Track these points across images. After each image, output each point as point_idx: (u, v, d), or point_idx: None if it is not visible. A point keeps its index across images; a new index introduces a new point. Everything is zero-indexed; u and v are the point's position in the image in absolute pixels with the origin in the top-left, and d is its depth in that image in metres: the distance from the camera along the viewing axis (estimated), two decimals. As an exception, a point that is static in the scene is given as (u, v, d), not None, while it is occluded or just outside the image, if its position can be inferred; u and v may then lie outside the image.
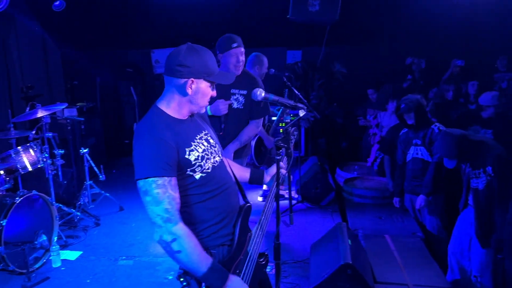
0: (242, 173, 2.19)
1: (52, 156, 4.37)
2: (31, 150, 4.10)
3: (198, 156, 1.78)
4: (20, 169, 3.99)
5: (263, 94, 2.12)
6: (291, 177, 5.43)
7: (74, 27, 6.59)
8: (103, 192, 5.10)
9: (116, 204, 5.15)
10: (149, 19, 6.66)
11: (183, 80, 1.74)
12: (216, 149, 1.91)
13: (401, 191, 4.06)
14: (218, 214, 1.84)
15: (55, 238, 3.94)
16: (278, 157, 1.96)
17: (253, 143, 4.48)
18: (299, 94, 3.79)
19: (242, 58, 3.01)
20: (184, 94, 1.76)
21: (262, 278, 2.06)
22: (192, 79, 1.74)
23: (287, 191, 4.92)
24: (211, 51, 1.81)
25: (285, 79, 4.23)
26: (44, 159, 4.10)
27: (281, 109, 4.69)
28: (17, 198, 3.62)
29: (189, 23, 6.71)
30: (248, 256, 1.87)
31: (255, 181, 2.21)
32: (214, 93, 1.84)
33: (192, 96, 1.77)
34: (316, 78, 7.21)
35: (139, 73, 7.88)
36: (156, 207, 1.63)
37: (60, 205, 4.47)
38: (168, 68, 1.77)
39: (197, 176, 1.77)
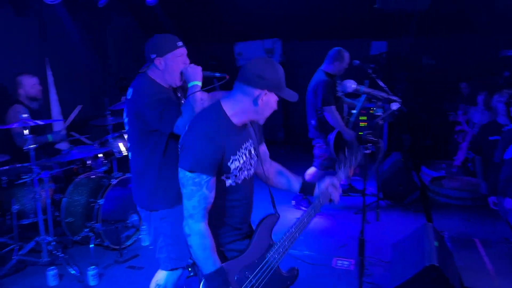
0: (293, 183, 2.18)
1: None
2: (125, 136, 4.43)
3: (238, 166, 1.86)
4: (116, 153, 4.34)
5: (353, 86, 2.08)
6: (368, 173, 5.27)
7: (163, 21, 6.95)
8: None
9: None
10: (232, 12, 6.82)
11: (258, 91, 1.79)
12: (253, 161, 1.97)
13: (495, 191, 3.75)
14: (235, 221, 1.94)
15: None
16: (367, 151, 1.92)
17: (332, 137, 4.43)
18: (385, 86, 3.65)
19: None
20: (255, 104, 1.81)
21: None
22: (267, 91, 1.79)
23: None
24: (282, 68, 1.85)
25: (370, 71, 4.11)
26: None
27: (360, 103, 4.57)
28: (113, 180, 3.95)
29: (271, 15, 6.76)
30: (265, 261, 1.89)
31: (306, 192, 2.18)
32: (276, 107, 1.88)
33: (261, 108, 1.82)
34: (401, 70, 6.88)
35: (222, 66, 8.11)
36: (187, 201, 1.75)
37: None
38: (244, 76, 1.81)
39: (228, 183, 1.86)
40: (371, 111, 5.29)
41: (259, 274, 1.86)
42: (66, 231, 3.97)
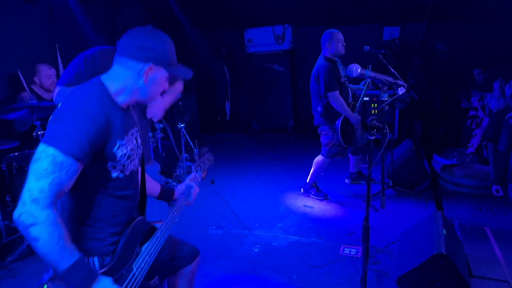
0: (153, 186, 2.05)
1: (152, 129, 4.70)
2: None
3: (125, 153, 1.60)
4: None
5: (359, 70, 2.04)
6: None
7: (173, 10, 6.92)
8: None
9: (207, 177, 5.41)
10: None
11: (141, 65, 1.57)
12: (139, 151, 1.75)
13: (503, 180, 3.69)
14: (114, 222, 1.65)
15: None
16: (372, 137, 1.89)
17: (339, 123, 4.38)
18: (395, 72, 3.58)
19: None
20: (138, 80, 1.59)
21: None
22: (152, 64, 1.58)
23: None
24: (172, 40, 1.66)
25: (380, 57, 4.03)
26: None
27: (365, 87, 4.51)
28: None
29: (281, 1, 6.68)
30: (132, 273, 1.65)
31: (164, 198, 2.09)
32: (166, 86, 1.68)
33: (147, 85, 1.60)
34: (414, 57, 6.75)
35: (232, 52, 8.08)
36: (33, 181, 1.37)
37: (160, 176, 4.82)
38: (125, 49, 1.58)
39: (114, 174, 1.59)
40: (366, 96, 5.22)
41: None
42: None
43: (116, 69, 1.61)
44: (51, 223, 1.36)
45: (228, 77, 7.11)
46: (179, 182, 5.14)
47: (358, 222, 4.18)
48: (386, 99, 1.99)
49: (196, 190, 2.14)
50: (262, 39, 7.43)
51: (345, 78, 4.52)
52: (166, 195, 2.09)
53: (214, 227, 4.19)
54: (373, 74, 1.97)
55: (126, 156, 1.61)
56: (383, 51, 4.22)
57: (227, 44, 8.02)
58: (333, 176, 5.45)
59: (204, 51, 7.92)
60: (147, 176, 1.92)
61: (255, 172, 5.98)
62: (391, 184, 4.93)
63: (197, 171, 2.21)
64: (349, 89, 4.58)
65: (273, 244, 3.81)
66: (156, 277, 1.86)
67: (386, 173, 4.75)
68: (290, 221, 4.29)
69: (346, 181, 5.29)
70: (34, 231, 1.35)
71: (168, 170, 5.31)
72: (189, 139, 5.40)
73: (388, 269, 3.33)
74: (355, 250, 3.65)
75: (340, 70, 4.46)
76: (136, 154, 1.70)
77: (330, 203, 4.71)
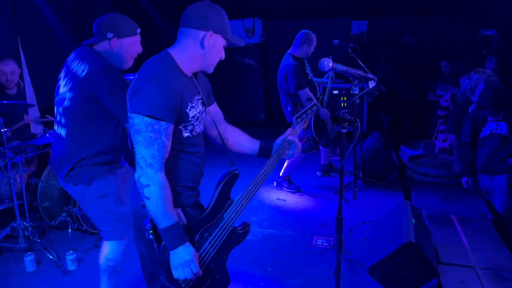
0: (250, 144, 2.14)
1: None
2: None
3: (195, 115, 1.77)
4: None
5: (330, 64, 2.05)
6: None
7: (140, 1, 6.77)
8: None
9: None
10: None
11: (202, 33, 1.72)
12: (204, 115, 1.89)
13: (471, 171, 3.81)
14: (188, 177, 1.85)
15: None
16: (344, 130, 1.91)
17: (312, 119, 4.41)
18: (364, 66, 3.63)
19: None
20: (201, 47, 1.73)
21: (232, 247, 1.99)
22: (212, 32, 1.72)
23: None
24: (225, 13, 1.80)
25: (349, 50, 4.08)
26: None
27: (329, 81, 4.56)
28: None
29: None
30: (223, 222, 1.84)
31: (264, 154, 2.14)
32: (223, 55, 1.82)
33: (207, 51, 1.75)
34: (382, 50, 6.88)
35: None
36: (144, 149, 1.61)
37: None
38: (187, 19, 1.75)
39: (185, 134, 1.76)
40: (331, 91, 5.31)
41: (217, 235, 1.82)
42: (43, 216, 3.89)
43: (180, 40, 1.77)
44: (162, 186, 1.63)
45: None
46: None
47: (330, 213, 4.25)
48: (357, 92, 2.01)
49: (297, 144, 2.09)
50: (231, 32, 7.38)
51: (312, 75, 4.57)
52: (266, 151, 2.12)
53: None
54: (344, 68, 1.99)
55: (196, 117, 1.77)
56: (352, 45, 4.28)
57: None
58: (305, 169, 5.50)
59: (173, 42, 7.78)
60: (243, 134, 2.13)
61: (227, 166, 5.95)
62: (361, 175, 5.03)
63: (297, 123, 2.14)
64: (316, 84, 4.63)
65: (248, 238, 3.80)
66: (249, 224, 1.99)
67: (356, 164, 4.83)
68: (264, 215, 4.31)
69: (318, 173, 5.36)
70: (148, 191, 1.61)
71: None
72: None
73: (360, 258, 3.40)
74: (328, 241, 3.71)
75: (307, 67, 4.49)
76: (202, 117, 1.84)
77: (302, 195, 4.76)
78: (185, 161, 1.82)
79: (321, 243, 3.70)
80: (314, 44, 4.43)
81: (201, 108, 1.83)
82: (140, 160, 1.63)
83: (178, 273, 1.69)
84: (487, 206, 3.76)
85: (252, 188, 1.91)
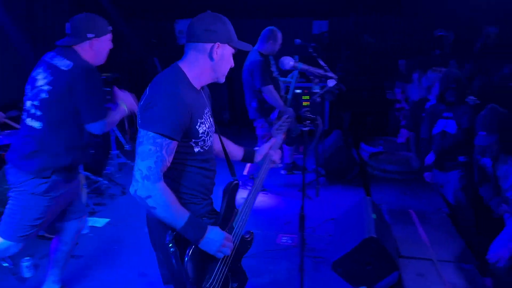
0: (235, 151, 2.24)
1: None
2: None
3: (205, 130, 1.80)
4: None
5: (291, 63, 2.06)
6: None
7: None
8: (129, 161, 5.19)
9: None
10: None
11: (210, 45, 1.75)
12: (213, 128, 1.94)
13: (431, 166, 3.95)
14: (202, 189, 1.89)
15: (83, 205, 4.06)
16: (305, 128, 1.93)
17: (275, 116, 4.44)
18: (325, 65, 3.69)
19: None
20: (211, 59, 1.76)
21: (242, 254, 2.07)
22: (219, 43, 1.75)
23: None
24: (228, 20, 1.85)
25: (311, 50, 4.14)
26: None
27: (293, 80, 4.61)
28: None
29: (213, -7, 6.58)
30: (234, 231, 1.91)
31: (248, 160, 2.26)
32: (232, 62, 1.86)
33: (217, 62, 1.78)
34: (343, 49, 7.02)
35: (164, 44, 7.85)
36: (141, 161, 1.63)
37: (87, 173, 4.58)
38: (192, 34, 1.77)
39: (196, 149, 1.80)
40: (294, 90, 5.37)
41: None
42: (-4, 222, 3.70)
43: (188, 54, 1.79)
44: (163, 193, 1.64)
45: (159, 69, 6.91)
46: (110, 180, 4.93)
47: (294, 211, 4.25)
48: (318, 91, 2.04)
49: (277, 153, 2.23)
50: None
51: (277, 72, 4.59)
52: (249, 156, 2.24)
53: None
54: (305, 67, 2.01)
55: (206, 132, 1.80)
56: (313, 44, 4.33)
57: (158, 35, 7.79)
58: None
59: (134, 42, 7.61)
60: (229, 142, 2.17)
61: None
62: (323, 173, 5.11)
63: (276, 135, 2.25)
64: (280, 82, 4.66)
65: (211, 238, 3.78)
66: (253, 232, 2.07)
67: (319, 162, 4.91)
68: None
69: (282, 172, 5.40)
70: (151, 202, 1.63)
71: (96, 167, 5.04)
72: (119, 135, 5.17)
73: (324, 254, 3.45)
74: (292, 239, 3.74)
75: (272, 64, 4.51)
76: (212, 131, 1.89)
77: (267, 194, 4.78)
78: (199, 175, 1.85)
79: (285, 241, 3.72)
80: (280, 41, 4.45)
81: (210, 121, 1.87)
82: (136, 172, 1.64)
83: (221, 253, 1.75)
84: (442, 200, 3.91)
85: (252, 196, 2.00)
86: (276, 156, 2.21)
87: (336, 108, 6.89)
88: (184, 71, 1.79)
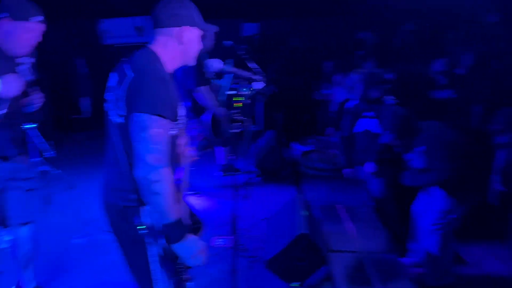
0: None
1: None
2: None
3: (182, 114, 1.84)
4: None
5: (218, 65, 2.07)
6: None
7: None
8: (52, 169, 4.87)
9: (67, 181, 4.95)
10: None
11: (177, 29, 1.78)
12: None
13: (351, 163, 4.17)
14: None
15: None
16: (236, 130, 1.95)
17: (208, 117, 4.43)
18: (257, 67, 3.75)
19: None
20: (179, 43, 1.79)
21: None
22: (186, 27, 1.79)
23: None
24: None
25: (241, 52, 4.18)
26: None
27: (227, 82, 4.64)
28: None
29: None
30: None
31: None
32: (201, 44, 1.89)
33: (186, 46, 1.81)
34: (274, 51, 7.16)
35: (89, 44, 7.50)
36: (152, 145, 1.62)
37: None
38: (159, 20, 1.79)
39: (174, 132, 1.79)
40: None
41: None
42: None
43: (158, 40, 1.81)
44: (171, 182, 1.66)
45: (86, 70, 6.60)
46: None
47: (229, 212, 4.29)
48: (247, 93, 2.07)
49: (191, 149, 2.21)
50: (121, 31, 7.06)
51: (211, 74, 4.58)
52: None
53: (77, 236, 3.88)
54: (231, 69, 2.03)
55: (183, 116, 1.84)
56: (243, 46, 4.38)
57: (82, 35, 7.42)
58: (203, 170, 5.49)
59: (56, 42, 7.17)
60: None
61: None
62: (258, 172, 5.18)
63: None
64: (214, 83, 4.65)
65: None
66: None
67: (253, 162, 4.98)
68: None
69: (218, 173, 5.38)
70: (158, 187, 1.62)
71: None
72: (40, 141, 4.84)
73: (259, 254, 3.50)
74: (227, 240, 3.74)
75: (205, 65, 4.49)
76: (185, 116, 1.90)
77: (202, 196, 4.75)
78: (173, 160, 1.83)
79: (220, 242, 3.72)
80: (212, 41, 4.43)
81: (184, 107, 1.88)
82: (148, 156, 1.61)
83: (194, 261, 1.80)
84: (367, 194, 4.13)
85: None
86: (191, 151, 2.20)
87: (270, 109, 7.02)
88: (159, 56, 1.79)
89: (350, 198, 4.23)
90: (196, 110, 4.47)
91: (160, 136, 1.63)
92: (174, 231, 1.70)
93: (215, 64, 2.09)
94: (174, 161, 1.84)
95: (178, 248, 1.73)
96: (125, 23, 6.99)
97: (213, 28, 1.94)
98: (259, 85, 2.03)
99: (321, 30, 7.02)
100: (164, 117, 1.64)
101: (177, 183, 1.85)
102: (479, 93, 4.52)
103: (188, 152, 2.13)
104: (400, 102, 3.82)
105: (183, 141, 1.93)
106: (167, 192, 1.64)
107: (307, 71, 7.11)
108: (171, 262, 1.80)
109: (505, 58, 5.04)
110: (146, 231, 1.73)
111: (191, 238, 1.76)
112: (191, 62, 1.90)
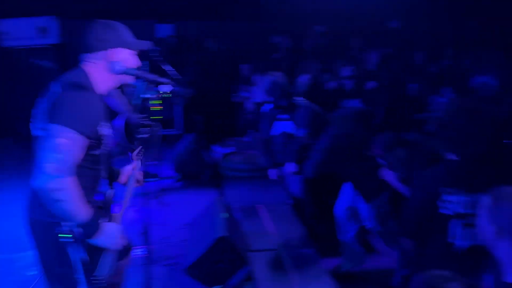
0: None
1: None
2: None
3: (106, 133, 1.88)
4: None
5: (121, 68, 1.97)
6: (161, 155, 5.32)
7: None
8: None
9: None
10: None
11: (104, 53, 1.83)
12: (111, 135, 2.02)
13: (274, 163, 4.25)
14: (95, 190, 1.97)
15: None
16: (145, 136, 1.91)
17: (121, 122, 4.26)
18: (168, 69, 3.66)
19: None
20: (107, 65, 1.84)
21: None
22: (113, 49, 1.84)
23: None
24: (121, 23, 1.91)
25: (152, 54, 4.06)
26: None
27: (140, 86, 4.52)
28: None
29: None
30: None
31: (112, 179, 2.33)
32: (135, 61, 1.94)
33: (116, 67, 1.85)
34: (190, 53, 7.07)
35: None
36: (53, 154, 1.65)
37: None
38: (85, 46, 1.84)
39: (94, 151, 1.84)
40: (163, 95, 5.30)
41: None
42: None
43: (88, 62, 1.85)
44: (73, 187, 1.69)
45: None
46: None
47: (149, 220, 4.15)
48: (156, 96, 2.01)
49: (140, 174, 2.38)
50: (21, 32, 6.52)
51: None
52: (113, 175, 2.31)
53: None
54: (136, 72, 1.94)
55: (106, 136, 1.87)
56: (156, 49, 4.26)
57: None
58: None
59: None
60: None
61: (25, 185, 5.23)
62: (178, 177, 5.08)
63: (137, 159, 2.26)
64: (128, 88, 4.47)
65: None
66: None
67: (172, 167, 4.86)
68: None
69: (134, 181, 5.19)
70: (59, 195, 1.65)
71: None
72: None
73: (180, 261, 3.42)
74: (146, 250, 3.61)
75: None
76: (110, 136, 1.94)
77: (118, 206, 4.52)
78: (92, 177, 1.91)
79: (139, 252, 3.58)
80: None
81: (109, 129, 1.92)
82: (48, 165, 1.64)
83: (111, 244, 1.88)
84: (286, 193, 4.24)
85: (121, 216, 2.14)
86: (140, 176, 2.34)
87: (189, 111, 6.92)
88: (89, 77, 1.84)
89: (271, 198, 4.29)
90: (110, 115, 4.27)
91: (66, 147, 1.66)
92: (91, 225, 1.77)
93: (117, 65, 1.99)
94: (95, 180, 1.93)
95: (98, 242, 1.81)
96: (26, 23, 6.47)
97: (142, 45, 1.95)
98: (164, 88, 1.98)
99: (236, 33, 7.08)
100: (76, 131, 1.68)
101: (98, 199, 1.97)
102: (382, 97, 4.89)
103: (136, 176, 2.27)
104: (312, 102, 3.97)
105: (132, 166, 2.08)
106: (70, 198, 1.68)
107: (225, 73, 7.13)
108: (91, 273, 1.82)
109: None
110: (67, 239, 1.75)
111: (106, 227, 1.85)
112: (124, 81, 1.96)
